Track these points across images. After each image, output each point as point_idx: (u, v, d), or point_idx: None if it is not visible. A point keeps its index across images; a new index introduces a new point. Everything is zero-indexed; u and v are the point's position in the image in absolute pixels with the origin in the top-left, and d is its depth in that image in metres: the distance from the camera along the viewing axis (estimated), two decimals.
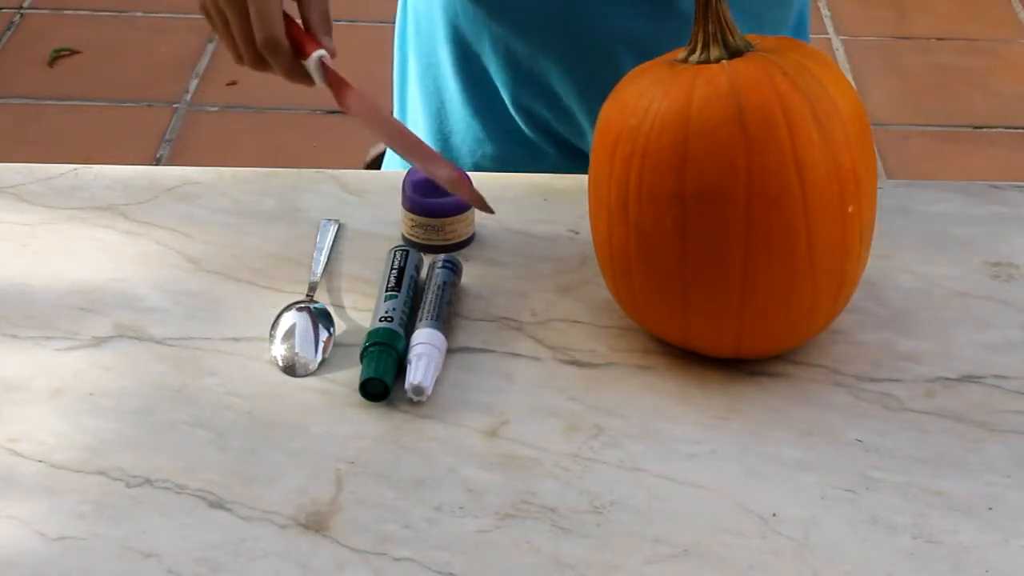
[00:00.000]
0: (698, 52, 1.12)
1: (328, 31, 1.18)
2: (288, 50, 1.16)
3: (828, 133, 1.08)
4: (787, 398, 1.13)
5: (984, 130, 3.01)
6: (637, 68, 1.15)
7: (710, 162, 1.07)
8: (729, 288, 1.10)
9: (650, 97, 1.10)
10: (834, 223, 1.09)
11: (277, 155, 2.83)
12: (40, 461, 1.07)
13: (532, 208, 1.33)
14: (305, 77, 1.18)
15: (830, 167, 1.08)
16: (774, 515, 1.04)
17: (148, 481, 1.06)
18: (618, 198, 1.11)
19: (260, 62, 1.18)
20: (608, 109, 1.14)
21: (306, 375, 1.15)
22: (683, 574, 1.00)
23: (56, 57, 3.19)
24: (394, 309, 1.17)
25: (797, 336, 1.15)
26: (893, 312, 1.22)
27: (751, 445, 1.09)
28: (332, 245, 1.27)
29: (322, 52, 1.16)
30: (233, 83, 3.10)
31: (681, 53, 1.13)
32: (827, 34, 3.37)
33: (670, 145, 1.08)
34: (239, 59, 1.19)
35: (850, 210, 1.10)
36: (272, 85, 3.25)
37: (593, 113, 1.38)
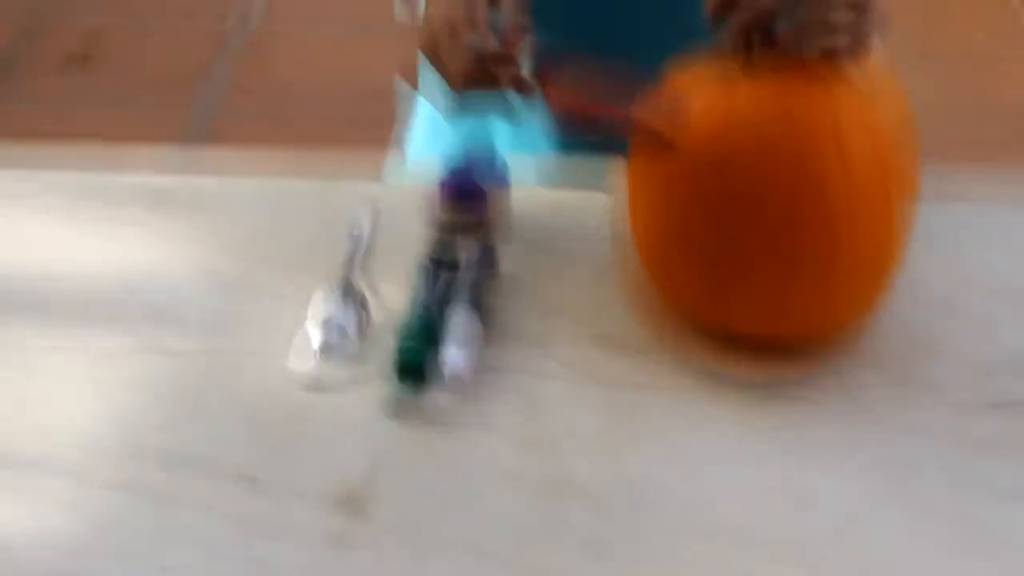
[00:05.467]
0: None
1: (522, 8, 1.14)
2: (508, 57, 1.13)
3: (874, 132, 1.08)
4: (827, 380, 1.13)
5: None
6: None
7: (754, 153, 1.07)
8: (773, 274, 1.10)
9: (703, 81, 1.10)
10: (877, 199, 1.09)
11: (295, 162, 2.83)
12: (74, 447, 1.07)
13: (567, 199, 1.33)
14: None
15: (876, 160, 1.08)
16: (814, 499, 1.03)
17: (184, 464, 1.06)
18: (662, 174, 1.11)
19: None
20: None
21: (341, 365, 1.15)
22: (720, 556, 1.00)
23: (70, 63, 3.20)
24: (430, 297, 1.17)
25: (833, 324, 1.15)
26: (937, 298, 1.21)
27: (791, 426, 1.09)
28: (368, 231, 1.27)
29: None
30: (249, 91, 3.11)
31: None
32: None
33: (708, 132, 1.08)
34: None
35: (892, 207, 1.10)
36: (289, 92, 3.21)
37: None
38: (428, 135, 1.46)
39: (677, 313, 1.18)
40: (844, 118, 1.08)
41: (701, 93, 1.10)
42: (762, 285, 1.11)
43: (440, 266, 1.20)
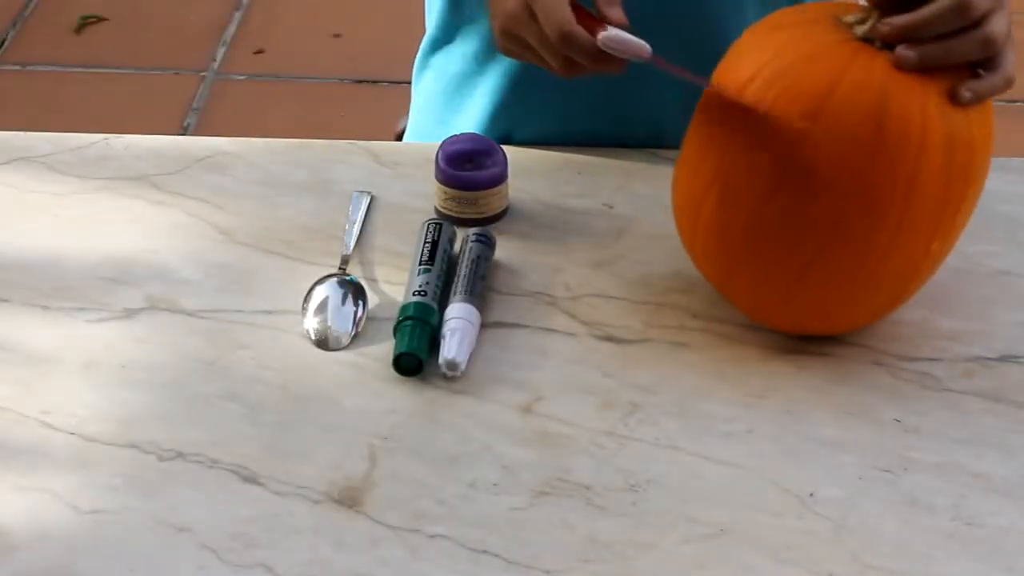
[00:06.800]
0: (869, 23, 1.07)
1: (615, 2, 1.11)
2: (585, 38, 1.09)
3: (952, 169, 1.05)
4: (825, 377, 1.12)
5: (1020, 104, 2.98)
6: (802, 8, 1.11)
7: (831, 146, 1.04)
8: (788, 262, 1.08)
9: (800, 54, 1.06)
10: (914, 254, 1.08)
11: (304, 124, 2.81)
12: (72, 434, 1.07)
13: (566, 182, 1.32)
14: (613, 61, 1.10)
15: (937, 202, 1.06)
16: (811, 495, 1.03)
17: (181, 455, 1.05)
18: (721, 134, 1.08)
19: (568, 65, 1.12)
20: (754, 38, 1.10)
21: (339, 349, 1.14)
22: (719, 554, 0.99)
23: (83, 24, 3.18)
24: (427, 283, 1.16)
25: (835, 325, 1.14)
26: (934, 290, 1.20)
27: (788, 424, 1.08)
28: (364, 218, 1.26)
29: (606, 33, 1.09)
30: (260, 52, 3.09)
31: (851, 15, 1.09)
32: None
33: (800, 112, 1.04)
34: (557, 70, 1.14)
35: (933, 247, 1.08)
36: (300, 54, 3.21)
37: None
38: (427, 123, 1.44)
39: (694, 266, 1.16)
40: (927, 158, 1.05)
41: (805, 60, 1.06)
42: (773, 269, 1.09)
43: (438, 253, 1.19)
